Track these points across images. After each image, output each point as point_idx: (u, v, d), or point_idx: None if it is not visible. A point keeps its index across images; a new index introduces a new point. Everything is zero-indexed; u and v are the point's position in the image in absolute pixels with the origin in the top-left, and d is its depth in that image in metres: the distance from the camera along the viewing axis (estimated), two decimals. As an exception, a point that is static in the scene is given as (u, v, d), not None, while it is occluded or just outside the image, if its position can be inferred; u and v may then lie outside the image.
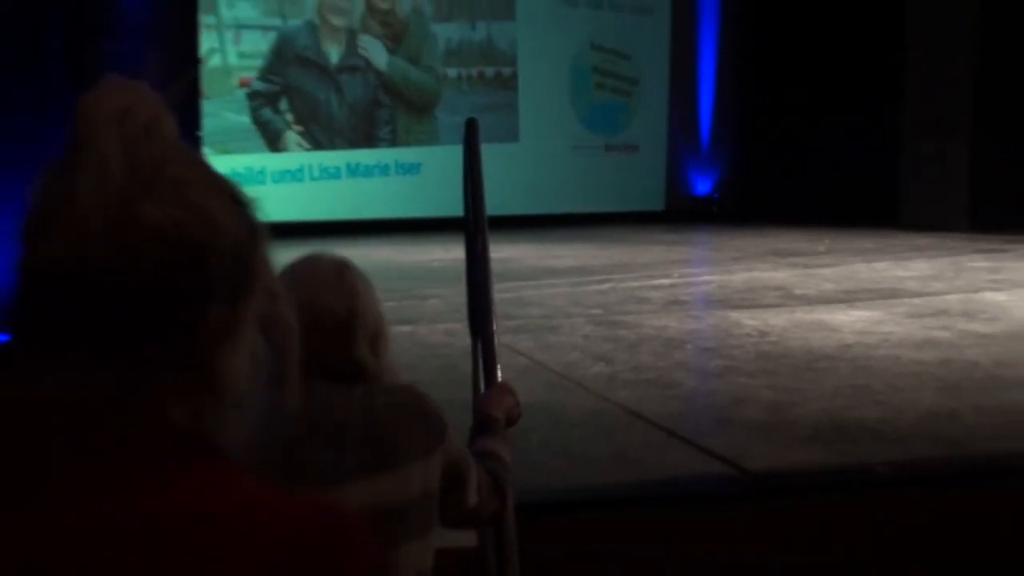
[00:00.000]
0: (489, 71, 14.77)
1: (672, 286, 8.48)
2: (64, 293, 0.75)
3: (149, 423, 0.75)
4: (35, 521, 0.70)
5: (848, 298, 7.74)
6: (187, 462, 0.74)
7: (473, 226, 3.82)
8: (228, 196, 0.80)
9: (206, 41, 11.17)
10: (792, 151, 16.43)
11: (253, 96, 12.85)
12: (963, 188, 15.11)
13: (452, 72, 14.42)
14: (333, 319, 1.72)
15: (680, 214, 15.98)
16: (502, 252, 9.39)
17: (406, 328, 6.32)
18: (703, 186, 16.79)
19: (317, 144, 13.42)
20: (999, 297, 7.81)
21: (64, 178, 0.75)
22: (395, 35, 13.92)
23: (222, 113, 12.38)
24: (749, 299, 7.68)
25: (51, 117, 5.44)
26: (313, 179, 13.38)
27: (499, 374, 4.05)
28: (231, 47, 12.63)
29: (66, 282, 0.74)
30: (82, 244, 0.74)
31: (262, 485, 0.77)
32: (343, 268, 1.81)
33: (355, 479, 1.64)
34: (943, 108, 15.10)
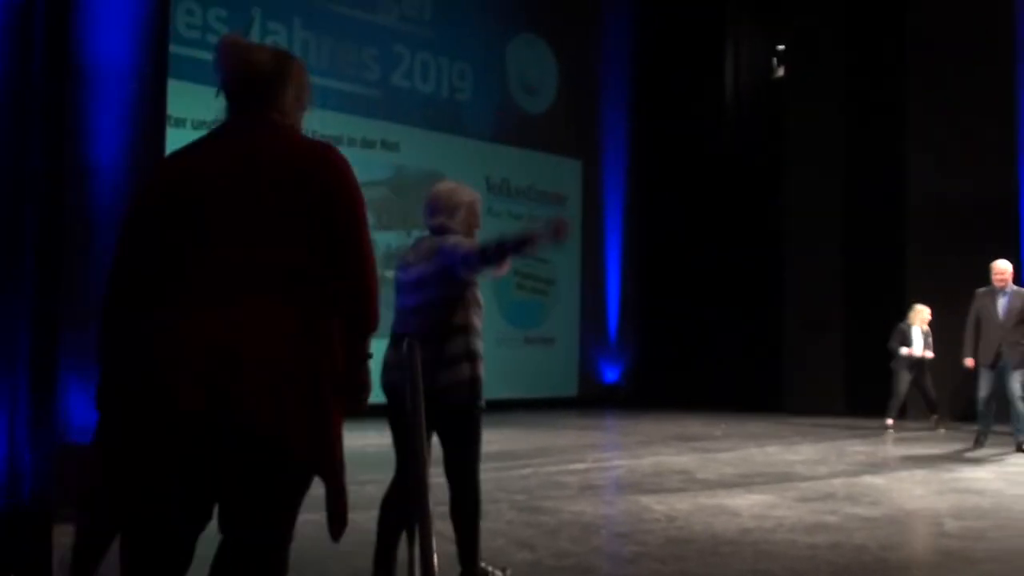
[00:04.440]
0: (422, 272, 14.80)
1: (587, 471, 8.32)
2: (240, 90, 2.57)
3: (268, 119, 2.52)
4: (233, 145, 2.50)
5: (745, 482, 7.64)
6: (284, 126, 2.55)
7: (414, 435, 3.67)
8: (276, 58, 2.63)
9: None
10: (688, 344, 16.64)
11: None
12: (839, 376, 15.34)
13: (389, 273, 14.36)
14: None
15: (591, 400, 15.96)
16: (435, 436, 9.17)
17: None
18: (611, 375, 16.84)
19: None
20: (878, 481, 7.78)
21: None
22: (339, 241, 13.91)
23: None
24: (656, 483, 7.54)
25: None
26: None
27: (435, 560, 3.83)
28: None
29: (243, 82, 2.56)
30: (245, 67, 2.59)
31: (303, 137, 2.56)
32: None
33: None
34: (817, 306, 15.45)
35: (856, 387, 15.15)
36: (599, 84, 17.31)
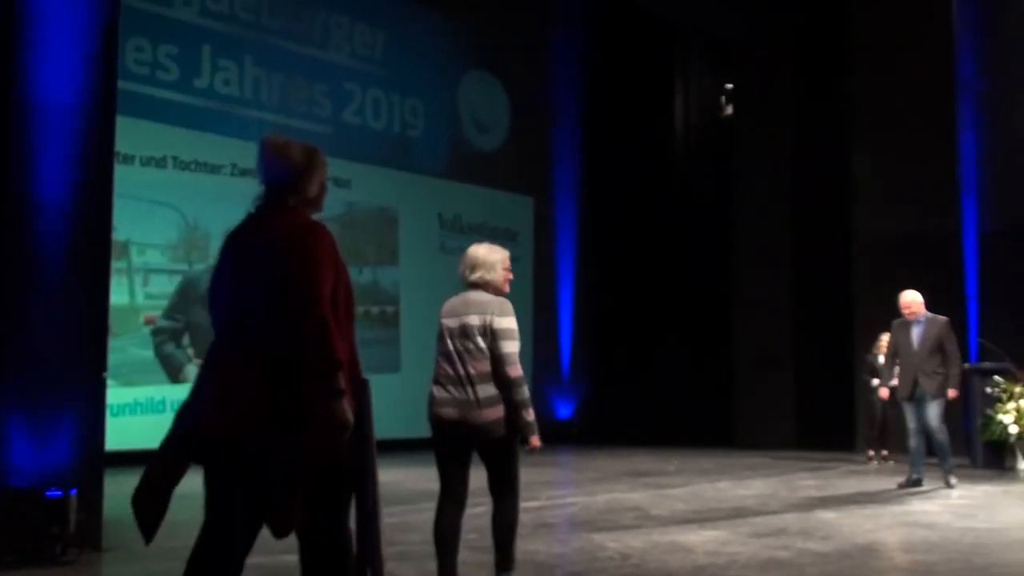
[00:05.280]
0: (375, 309, 14.75)
1: (540, 508, 8.27)
2: (276, 183, 3.29)
3: (284, 205, 3.24)
4: (262, 229, 3.21)
5: (698, 518, 7.63)
6: (293, 210, 3.25)
7: (364, 479, 3.62)
8: (306, 155, 3.34)
9: (116, 285, 10.74)
10: (640, 380, 16.69)
11: (157, 332, 12.46)
12: (789, 411, 15.45)
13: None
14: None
15: (544, 436, 15.84)
16: (386, 476, 9.00)
17: (292, 557, 5.95)
18: (564, 411, 16.83)
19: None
20: (829, 515, 7.81)
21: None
22: (290, 278, 13.84)
23: (128, 348, 11.96)
24: (610, 521, 7.51)
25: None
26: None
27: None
28: (139, 289, 12.35)
29: (279, 177, 3.29)
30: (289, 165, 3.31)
31: (298, 219, 3.23)
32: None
33: None
34: (768, 343, 15.57)
35: (806, 422, 15.27)
36: (550, 121, 17.44)
